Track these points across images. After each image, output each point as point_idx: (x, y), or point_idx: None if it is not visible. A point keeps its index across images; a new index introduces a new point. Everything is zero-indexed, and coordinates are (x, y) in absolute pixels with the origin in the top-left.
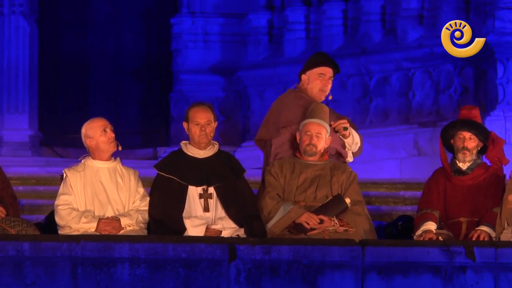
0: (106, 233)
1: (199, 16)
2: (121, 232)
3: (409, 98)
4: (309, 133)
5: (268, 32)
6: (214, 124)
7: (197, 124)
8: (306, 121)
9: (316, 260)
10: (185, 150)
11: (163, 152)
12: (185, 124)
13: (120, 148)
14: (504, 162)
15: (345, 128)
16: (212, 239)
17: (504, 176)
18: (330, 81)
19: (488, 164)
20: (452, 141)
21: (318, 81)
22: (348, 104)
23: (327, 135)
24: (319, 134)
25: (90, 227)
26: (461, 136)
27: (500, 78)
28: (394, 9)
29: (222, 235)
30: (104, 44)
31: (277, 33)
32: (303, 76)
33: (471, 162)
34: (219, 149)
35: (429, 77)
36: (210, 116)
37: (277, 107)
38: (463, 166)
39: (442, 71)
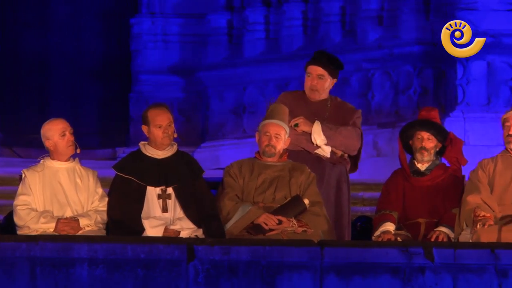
0: (65, 233)
1: (159, 17)
2: (80, 233)
3: (368, 99)
4: (268, 134)
5: (227, 32)
6: (173, 124)
7: (160, 127)
8: (265, 122)
9: (274, 260)
10: (143, 151)
11: (122, 152)
12: (144, 128)
13: (78, 151)
14: (462, 162)
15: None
16: (170, 239)
17: (463, 177)
18: (321, 79)
19: (447, 165)
20: (411, 141)
21: (307, 80)
22: None
23: (286, 135)
24: (278, 135)
25: (48, 227)
26: (419, 136)
27: (460, 79)
28: (354, 10)
29: (181, 235)
30: (64, 45)
31: (237, 33)
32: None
33: (429, 163)
34: (177, 150)
35: (388, 78)
36: (170, 116)
37: None
38: (422, 166)
39: (402, 72)
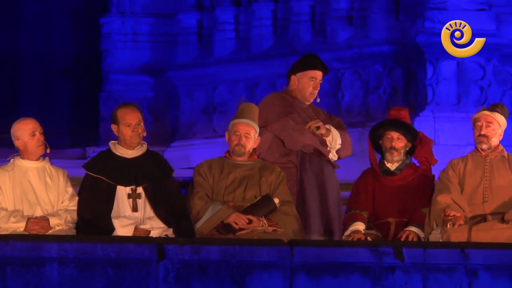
0: (35, 232)
1: (129, 16)
2: (50, 232)
3: (338, 99)
4: (237, 133)
5: (197, 32)
6: (143, 123)
7: (129, 126)
8: (235, 121)
9: (244, 260)
10: (113, 150)
11: (92, 152)
12: (114, 127)
13: (48, 151)
14: (432, 162)
15: (317, 128)
16: (140, 239)
17: (433, 176)
18: (319, 84)
19: (417, 164)
20: (380, 141)
21: (310, 84)
22: None
23: (256, 135)
24: (248, 134)
25: (19, 226)
26: (389, 136)
27: (430, 78)
28: (324, 9)
29: (151, 235)
30: (35, 44)
31: (207, 33)
32: (293, 77)
33: (399, 163)
34: (147, 149)
35: (358, 78)
36: (140, 115)
37: (259, 107)
38: (392, 166)
39: (371, 72)
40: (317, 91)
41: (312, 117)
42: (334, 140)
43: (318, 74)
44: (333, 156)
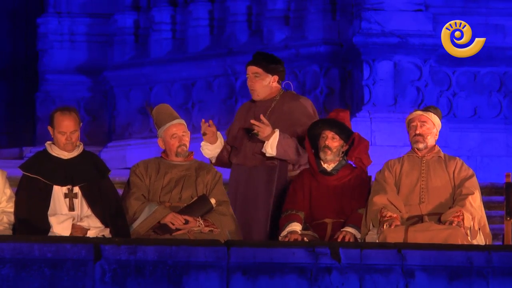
0: None
1: (65, 16)
2: None
3: None
4: (176, 135)
5: (134, 32)
6: (79, 130)
7: (63, 134)
8: (167, 125)
9: (181, 260)
10: (50, 151)
11: (29, 152)
12: (50, 129)
13: None
14: (366, 162)
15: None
16: (77, 239)
17: (370, 177)
18: (257, 78)
19: (353, 165)
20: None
21: (247, 82)
22: (214, 105)
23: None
24: (185, 133)
25: None
26: (324, 135)
27: (366, 79)
28: (260, 10)
29: (88, 235)
30: None
31: (143, 33)
32: None
33: (336, 163)
34: (84, 150)
35: (295, 78)
36: (76, 124)
37: None
38: (328, 167)
39: (308, 72)
40: (252, 86)
41: (256, 117)
42: (269, 145)
43: (249, 69)
44: (269, 151)
